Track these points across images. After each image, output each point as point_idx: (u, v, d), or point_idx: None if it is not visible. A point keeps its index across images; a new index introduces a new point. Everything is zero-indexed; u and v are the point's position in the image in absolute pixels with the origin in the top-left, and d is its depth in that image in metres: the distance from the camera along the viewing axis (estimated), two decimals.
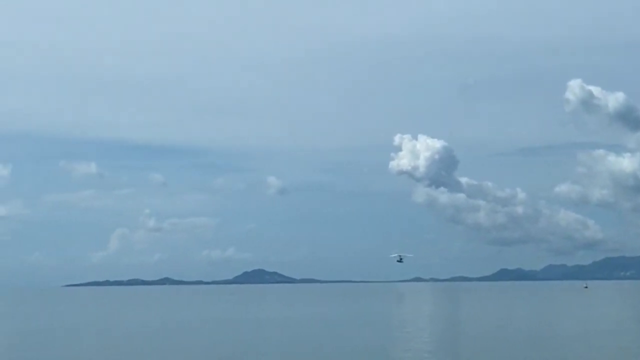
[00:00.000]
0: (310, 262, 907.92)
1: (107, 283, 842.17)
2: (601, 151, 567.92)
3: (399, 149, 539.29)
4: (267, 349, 66.18)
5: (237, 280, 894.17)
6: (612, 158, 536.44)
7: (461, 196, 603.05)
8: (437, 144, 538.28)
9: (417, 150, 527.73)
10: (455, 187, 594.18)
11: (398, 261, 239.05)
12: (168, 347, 69.56)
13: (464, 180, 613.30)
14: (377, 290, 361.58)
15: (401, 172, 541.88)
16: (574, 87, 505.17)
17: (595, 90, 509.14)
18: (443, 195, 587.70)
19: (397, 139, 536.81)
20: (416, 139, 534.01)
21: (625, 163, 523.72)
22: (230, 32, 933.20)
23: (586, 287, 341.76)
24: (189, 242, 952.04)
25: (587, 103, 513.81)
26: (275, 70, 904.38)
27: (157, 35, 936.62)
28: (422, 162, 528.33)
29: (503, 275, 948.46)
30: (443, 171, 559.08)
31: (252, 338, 78.79)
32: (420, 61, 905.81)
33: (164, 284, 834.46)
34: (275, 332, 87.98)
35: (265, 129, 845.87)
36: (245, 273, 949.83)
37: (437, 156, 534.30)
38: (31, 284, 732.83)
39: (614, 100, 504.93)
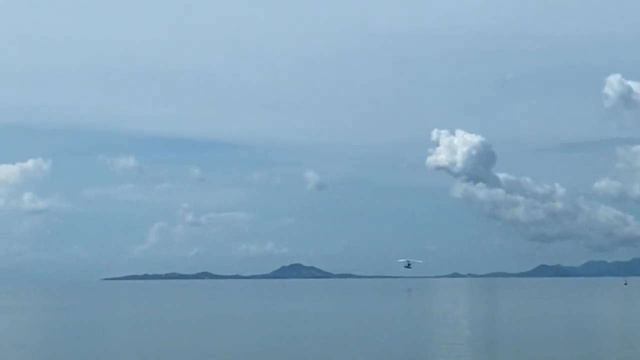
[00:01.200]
0: (347, 257, 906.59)
1: (145, 277, 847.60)
2: None
3: (436, 144, 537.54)
4: (304, 343, 66.39)
5: (274, 275, 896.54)
6: None
7: (499, 192, 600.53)
8: (475, 139, 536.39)
9: (454, 146, 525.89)
10: (493, 182, 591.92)
11: (406, 267, 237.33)
12: (206, 340, 69.95)
13: (502, 175, 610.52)
14: (414, 285, 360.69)
15: (438, 168, 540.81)
16: (613, 83, 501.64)
17: (634, 85, 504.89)
18: (481, 191, 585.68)
19: (434, 134, 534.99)
20: (454, 134, 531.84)
21: None
22: (269, 26, 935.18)
23: (626, 284, 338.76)
24: (226, 237, 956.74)
25: (626, 98, 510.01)
26: (314, 65, 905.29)
27: (196, 29, 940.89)
28: (459, 158, 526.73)
29: (542, 271, 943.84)
30: (481, 166, 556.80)
31: (290, 332, 79.02)
32: (459, 56, 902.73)
33: (202, 278, 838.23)
34: (312, 326, 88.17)
35: (304, 123, 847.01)
36: (283, 268, 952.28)
37: (474, 151, 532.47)
38: (70, 277, 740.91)
39: None
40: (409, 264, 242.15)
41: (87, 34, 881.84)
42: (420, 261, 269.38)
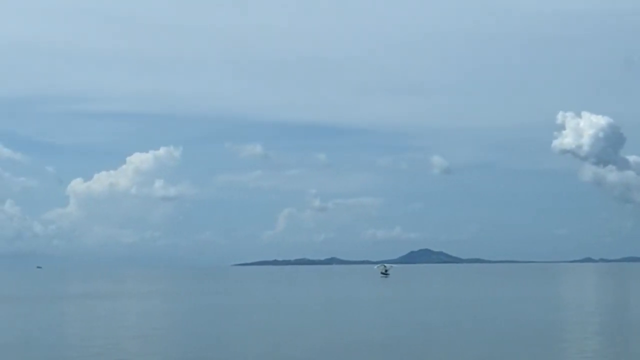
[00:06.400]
0: (476, 241, 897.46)
1: (275, 262, 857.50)
2: None
3: (562, 127, 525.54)
4: (435, 330, 66.37)
5: (403, 260, 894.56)
6: None
7: (630, 174, 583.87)
8: (602, 120, 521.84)
9: (580, 128, 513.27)
10: (623, 165, 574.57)
11: (383, 273, 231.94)
12: (334, 325, 70.57)
13: (632, 158, 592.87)
14: (545, 270, 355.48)
15: (564, 151, 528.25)
16: None
17: None
18: (611, 174, 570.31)
19: (559, 116, 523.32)
20: (580, 117, 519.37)
21: None
22: (393, 9, 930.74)
23: None
24: (354, 222, 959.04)
25: None
26: (440, 48, 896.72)
27: (323, 16, 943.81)
28: (586, 140, 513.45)
29: None
30: (609, 149, 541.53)
31: (420, 318, 79.08)
32: (583, 37, 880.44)
33: (331, 263, 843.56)
34: (441, 312, 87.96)
35: (430, 107, 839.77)
36: (412, 253, 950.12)
37: (601, 134, 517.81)
38: (202, 263, 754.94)
39: None
40: (386, 271, 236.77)
41: (217, 22, 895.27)
42: (394, 265, 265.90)
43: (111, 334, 65.25)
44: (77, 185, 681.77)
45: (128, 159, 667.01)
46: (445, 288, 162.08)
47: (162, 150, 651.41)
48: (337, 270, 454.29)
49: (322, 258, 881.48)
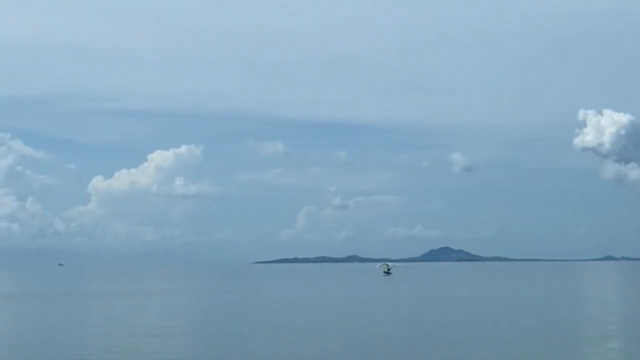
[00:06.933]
0: (497, 240, 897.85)
1: (295, 260, 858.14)
2: None
3: (583, 124, 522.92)
4: (454, 328, 66.25)
5: (423, 258, 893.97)
6: None
7: None
8: (624, 118, 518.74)
9: (602, 126, 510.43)
10: None
11: (385, 272, 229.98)
12: (355, 322, 70.56)
13: None
14: (567, 268, 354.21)
15: (586, 149, 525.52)
16: None
17: None
18: (633, 171, 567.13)
19: (581, 114, 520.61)
20: (601, 114, 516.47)
21: None
22: (415, 6, 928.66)
23: None
24: (374, 220, 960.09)
25: None
26: (460, 45, 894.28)
27: (345, 14, 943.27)
28: (607, 138, 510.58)
29: None
30: (631, 146, 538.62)
31: (438, 317, 78.96)
32: (604, 34, 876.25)
33: (351, 261, 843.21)
34: (461, 310, 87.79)
35: (451, 105, 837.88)
36: (432, 251, 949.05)
37: (623, 131, 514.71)
38: (222, 261, 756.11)
39: None
40: (388, 269, 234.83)
41: (237, 20, 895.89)
42: (398, 264, 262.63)
43: (131, 331, 65.43)
44: (98, 183, 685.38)
45: (149, 156, 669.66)
46: (464, 286, 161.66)
47: (183, 148, 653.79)
48: (357, 268, 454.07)
49: (343, 256, 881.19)
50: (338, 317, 79.21)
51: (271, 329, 66.69)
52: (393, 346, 54.38)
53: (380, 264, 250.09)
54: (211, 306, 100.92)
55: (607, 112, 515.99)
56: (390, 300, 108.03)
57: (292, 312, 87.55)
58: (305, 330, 65.70)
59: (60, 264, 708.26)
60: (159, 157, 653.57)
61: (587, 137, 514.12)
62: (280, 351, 52.46)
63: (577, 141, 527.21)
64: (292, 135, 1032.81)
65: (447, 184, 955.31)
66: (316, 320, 76.06)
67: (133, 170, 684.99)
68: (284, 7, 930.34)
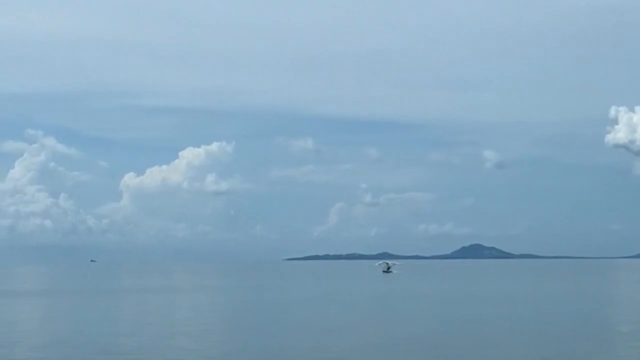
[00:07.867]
0: (528, 237, 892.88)
1: (326, 257, 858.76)
2: None
3: (615, 121, 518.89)
4: (484, 325, 66.01)
5: (454, 255, 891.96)
6: None
7: None
8: None
9: (633, 123, 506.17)
10: None
11: (384, 271, 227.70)
12: (389, 318, 70.49)
13: None
14: (600, 266, 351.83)
15: (617, 146, 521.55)
16: None
17: None
18: None
19: (612, 111, 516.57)
20: (633, 111, 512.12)
21: None
22: (447, 3, 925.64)
23: None
24: (406, 217, 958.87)
25: None
26: (493, 44, 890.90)
27: (375, 9, 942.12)
28: (639, 135, 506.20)
29: None
30: None
31: (471, 313, 78.67)
32: (636, 31, 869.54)
33: (383, 258, 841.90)
34: (492, 307, 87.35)
35: (482, 102, 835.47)
36: (463, 248, 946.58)
37: None
38: (254, 257, 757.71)
39: None
40: (388, 268, 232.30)
41: (269, 18, 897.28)
42: (400, 263, 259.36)
43: (162, 328, 65.77)
44: (130, 179, 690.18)
45: (180, 153, 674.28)
46: (493, 284, 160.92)
47: (214, 145, 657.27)
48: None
49: (374, 253, 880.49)
50: (371, 314, 79.11)
51: (302, 325, 66.65)
52: (424, 343, 54.25)
53: (380, 262, 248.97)
54: (242, 303, 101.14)
55: (639, 109, 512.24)
56: (422, 297, 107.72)
57: (324, 308, 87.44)
58: (337, 327, 65.51)
59: (92, 260, 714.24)
60: (191, 154, 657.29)
61: (619, 134, 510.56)
62: (311, 347, 52.35)
63: (609, 138, 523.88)
64: (323, 132, 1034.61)
65: (478, 180, 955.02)
66: (348, 316, 75.93)
67: (164, 167, 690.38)
68: (315, 3, 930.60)
